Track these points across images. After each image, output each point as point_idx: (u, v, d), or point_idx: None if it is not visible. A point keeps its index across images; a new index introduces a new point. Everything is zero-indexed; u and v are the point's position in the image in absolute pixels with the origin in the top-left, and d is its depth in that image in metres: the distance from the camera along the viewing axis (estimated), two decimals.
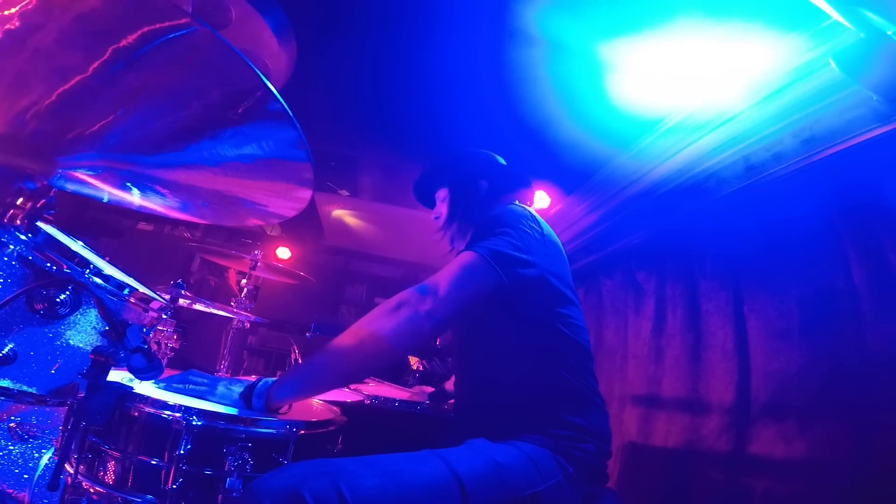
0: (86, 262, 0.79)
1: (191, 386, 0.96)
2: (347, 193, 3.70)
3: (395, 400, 1.57)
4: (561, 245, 1.18)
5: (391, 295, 0.96)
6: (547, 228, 1.15)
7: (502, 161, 1.39)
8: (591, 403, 1.05)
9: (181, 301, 1.67)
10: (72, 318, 0.79)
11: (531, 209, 1.18)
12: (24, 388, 0.77)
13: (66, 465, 0.80)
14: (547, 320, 1.06)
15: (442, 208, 1.35)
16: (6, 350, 0.72)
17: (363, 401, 1.50)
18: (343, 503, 0.70)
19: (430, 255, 1.50)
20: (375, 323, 0.93)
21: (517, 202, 1.24)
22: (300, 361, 2.37)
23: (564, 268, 1.14)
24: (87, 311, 0.81)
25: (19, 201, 0.74)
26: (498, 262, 0.97)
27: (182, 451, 0.79)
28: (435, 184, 1.40)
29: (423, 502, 0.78)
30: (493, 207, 1.17)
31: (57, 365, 0.80)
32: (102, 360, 0.73)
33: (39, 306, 0.74)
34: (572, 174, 2.44)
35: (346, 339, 0.93)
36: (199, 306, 1.80)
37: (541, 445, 0.95)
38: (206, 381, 0.98)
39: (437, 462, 0.84)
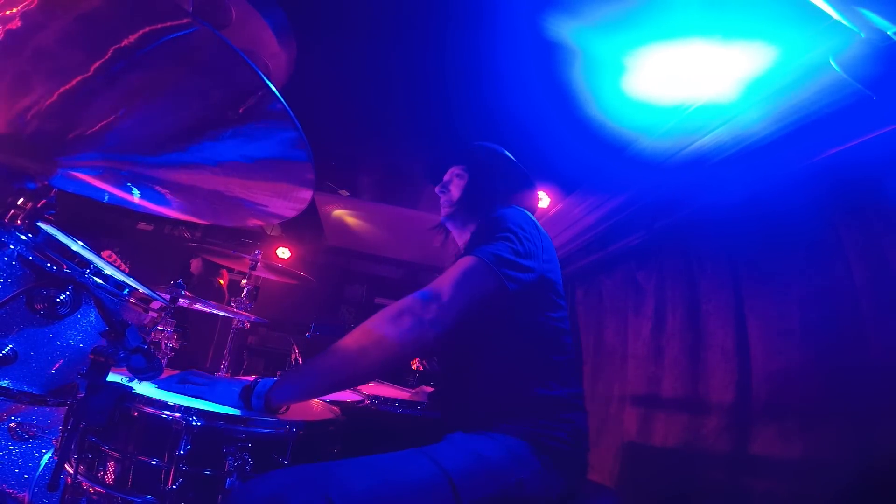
0: (86, 262, 0.79)
1: (190, 386, 0.96)
2: (347, 193, 3.70)
3: (395, 400, 1.57)
4: (554, 250, 1.19)
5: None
6: (543, 233, 1.16)
7: (522, 168, 1.39)
8: (566, 399, 1.05)
9: (181, 301, 1.67)
10: (72, 318, 0.79)
11: (528, 213, 1.18)
12: (24, 388, 0.77)
13: (66, 465, 0.80)
14: (538, 323, 1.07)
15: (452, 187, 1.32)
16: (6, 350, 0.72)
17: (363, 401, 1.50)
18: None
19: (430, 255, 1.49)
20: (378, 331, 0.92)
21: (519, 206, 1.24)
22: (300, 362, 2.37)
23: (558, 274, 1.16)
24: (87, 311, 0.82)
25: (20, 201, 0.74)
26: (500, 266, 0.97)
27: (182, 452, 0.79)
28: (454, 158, 1.37)
29: (417, 502, 0.78)
30: (497, 209, 1.17)
31: (57, 365, 0.80)
32: (102, 360, 0.73)
33: (39, 306, 0.74)
34: (571, 176, 2.44)
35: (348, 345, 0.92)
36: (199, 306, 1.80)
37: (514, 435, 0.96)
38: (205, 381, 0.98)
39: (424, 461, 0.84)
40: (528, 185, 1.36)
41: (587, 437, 1.07)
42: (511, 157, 1.39)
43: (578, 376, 1.12)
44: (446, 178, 1.36)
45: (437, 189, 1.37)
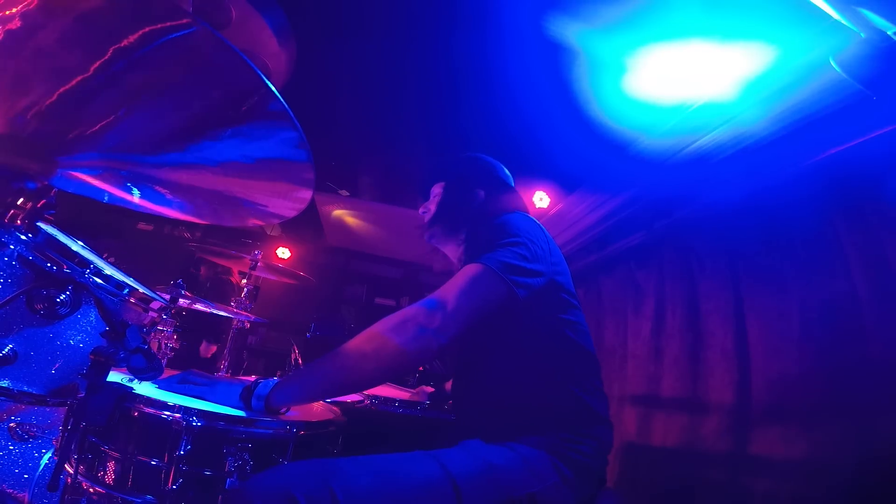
0: (86, 262, 0.79)
1: (190, 386, 0.96)
2: (347, 193, 3.70)
3: (395, 400, 1.57)
4: (560, 252, 1.18)
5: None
6: (549, 235, 1.15)
7: (507, 173, 1.38)
8: (592, 408, 1.04)
9: (181, 301, 1.67)
10: (72, 318, 0.79)
11: (533, 218, 1.17)
12: (24, 388, 0.77)
13: (66, 465, 0.80)
14: (553, 326, 1.06)
15: (431, 204, 1.34)
16: (6, 350, 0.72)
17: (363, 401, 1.50)
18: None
19: (430, 255, 1.49)
20: (382, 339, 0.90)
21: (519, 211, 1.23)
22: (301, 365, 2.37)
23: (568, 275, 1.15)
24: (87, 311, 0.82)
25: (20, 201, 0.74)
26: (507, 273, 0.96)
27: (182, 452, 0.79)
28: (434, 177, 1.38)
29: (418, 502, 0.78)
30: (494, 217, 1.14)
31: (57, 365, 0.80)
32: (102, 360, 0.73)
33: (39, 306, 0.74)
34: (572, 175, 2.44)
35: (350, 352, 0.91)
36: (199, 306, 1.80)
37: (537, 447, 0.94)
38: (205, 381, 0.98)
39: (430, 462, 0.83)
40: (510, 189, 1.34)
41: (610, 446, 1.05)
42: (491, 161, 1.38)
43: (600, 377, 1.10)
44: (430, 199, 1.36)
45: (420, 210, 1.36)
